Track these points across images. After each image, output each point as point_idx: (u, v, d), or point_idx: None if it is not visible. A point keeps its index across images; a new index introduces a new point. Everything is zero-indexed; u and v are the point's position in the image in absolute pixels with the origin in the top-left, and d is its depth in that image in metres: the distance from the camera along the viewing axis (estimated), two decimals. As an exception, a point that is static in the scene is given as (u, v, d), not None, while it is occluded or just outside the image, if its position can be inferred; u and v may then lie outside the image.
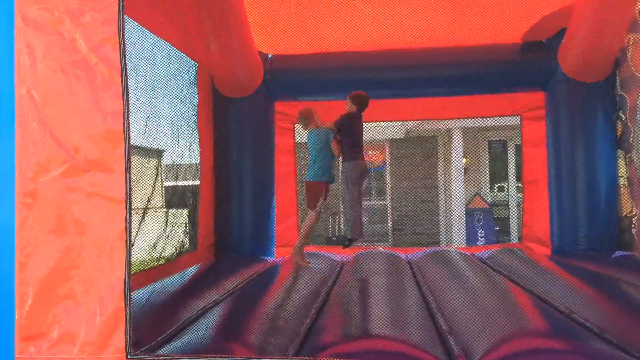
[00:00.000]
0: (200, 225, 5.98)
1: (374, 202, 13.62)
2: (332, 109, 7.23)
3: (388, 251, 6.48)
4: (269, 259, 6.35)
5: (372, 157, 13.83)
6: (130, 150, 2.51)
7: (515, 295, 3.78)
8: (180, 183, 6.23)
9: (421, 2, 5.51)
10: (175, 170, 6.26)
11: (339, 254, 6.50)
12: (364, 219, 13.50)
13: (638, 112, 5.61)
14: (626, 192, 5.87)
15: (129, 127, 2.52)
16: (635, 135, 5.69)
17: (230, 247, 6.35)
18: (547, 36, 6.20)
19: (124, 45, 2.51)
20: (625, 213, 5.88)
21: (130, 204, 2.55)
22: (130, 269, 2.59)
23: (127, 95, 2.50)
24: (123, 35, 2.50)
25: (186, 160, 6.05)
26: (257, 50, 6.22)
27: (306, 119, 5.98)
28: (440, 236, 12.65)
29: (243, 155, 6.47)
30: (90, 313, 2.59)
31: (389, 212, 13.35)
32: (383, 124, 12.01)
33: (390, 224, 13.20)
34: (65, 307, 2.59)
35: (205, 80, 6.21)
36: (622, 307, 3.54)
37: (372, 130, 11.97)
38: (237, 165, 6.46)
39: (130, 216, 2.55)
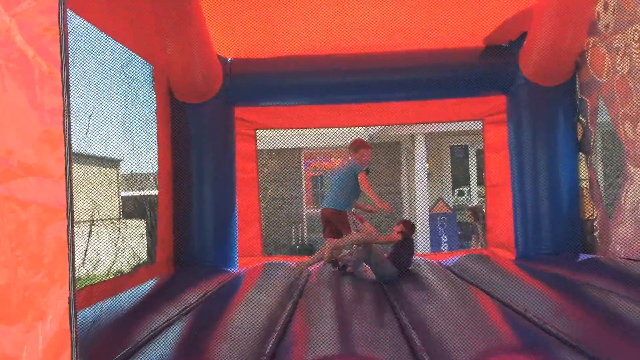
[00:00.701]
0: (158, 236, 5.71)
1: (337, 209, 13.48)
2: (294, 114, 7.12)
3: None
4: (232, 270, 6.12)
5: (335, 163, 13.73)
6: (71, 152, 2.27)
7: (486, 305, 3.69)
8: (137, 193, 5.96)
9: (384, 5, 5.44)
10: (133, 179, 6.00)
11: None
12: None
13: (598, 115, 5.65)
14: (587, 195, 5.89)
15: (69, 128, 2.28)
16: (595, 139, 5.73)
17: (191, 258, 6.10)
18: (508, 40, 6.20)
19: (66, 37, 2.27)
20: (587, 216, 5.91)
21: (72, 213, 2.31)
22: (74, 285, 2.34)
23: (68, 91, 2.27)
24: (65, 25, 2.26)
25: (143, 168, 5.80)
26: (216, 53, 6.02)
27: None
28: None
29: (203, 162, 6.25)
30: (31, 338, 2.33)
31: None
32: (346, 129, 11.93)
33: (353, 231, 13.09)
34: (1, 331, 2.33)
35: (163, 84, 5.96)
36: (591, 313, 3.48)
37: (335, 136, 11.90)
38: (197, 172, 6.23)
39: (73, 227, 2.31)
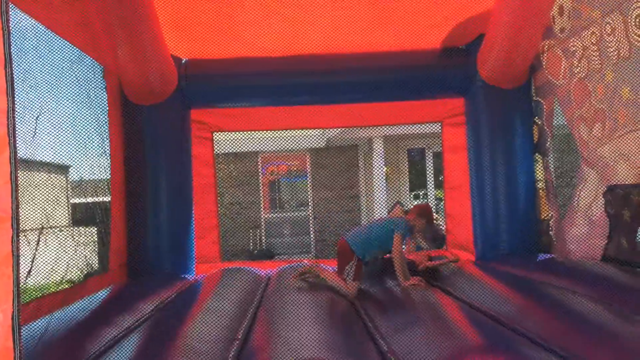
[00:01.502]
0: (111, 243, 5.47)
1: (295, 214, 13.40)
2: (251, 116, 6.99)
3: (313, 264, 6.22)
4: (189, 277, 5.93)
5: (292, 167, 13.63)
6: (17, 156, 2.10)
7: (451, 308, 3.66)
8: (88, 199, 5.72)
9: (341, 6, 5.38)
10: (83, 185, 5.75)
11: (262, 269, 6.18)
12: (286, 231, 13.31)
13: (554, 117, 5.75)
14: (544, 196, 5.99)
15: (14, 130, 2.11)
16: (552, 140, 5.83)
17: (146, 266, 5.87)
18: (466, 42, 6.25)
19: (9, 34, 2.10)
20: (543, 217, 6.00)
21: (18, 222, 2.13)
22: (19, 300, 2.16)
23: (13, 91, 2.10)
24: (7, 21, 2.10)
25: (95, 173, 5.56)
26: (170, 54, 5.83)
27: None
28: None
29: (158, 166, 6.03)
30: (-31, 357, 2.13)
31: (310, 223, 13.18)
32: (303, 133, 11.87)
33: (312, 235, 13.03)
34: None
35: (114, 86, 5.73)
36: (551, 311, 3.51)
37: (293, 139, 11.81)
38: (152, 177, 6.01)
39: (18, 237, 2.14)
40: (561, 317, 3.33)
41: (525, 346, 2.81)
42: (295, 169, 13.65)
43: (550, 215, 5.82)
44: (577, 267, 4.73)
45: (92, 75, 5.38)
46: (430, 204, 12.42)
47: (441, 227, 6.44)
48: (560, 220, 5.53)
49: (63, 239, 4.39)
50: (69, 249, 4.53)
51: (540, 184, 6.08)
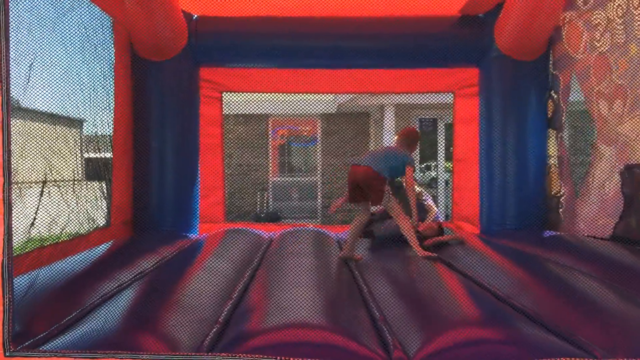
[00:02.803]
0: (114, 199, 5.46)
1: (303, 179, 13.37)
2: (261, 78, 6.88)
3: (317, 229, 6.20)
4: (192, 236, 5.93)
5: (302, 131, 13.54)
6: (9, 102, 2.04)
7: (450, 280, 3.61)
8: (90, 155, 5.69)
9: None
10: (86, 139, 5.71)
11: (266, 231, 6.17)
12: (293, 195, 13.30)
13: (570, 93, 5.59)
14: (555, 171, 5.88)
15: (7, 75, 2.05)
16: (566, 115, 5.68)
17: (150, 223, 5.89)
18: (484, 10, 6.05)
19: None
20: (553, 192, 5.90)
21: (10, 169, 2.09)
22: (10, 247, 2.14)
23: (7, 34, 2.03)
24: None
25: (98, 128, 5.51)
26: (181, 9, 5.71)
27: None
28: (370, 214, 12.56)
29: (164, 123, 5.99)
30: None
31: (319, 188, 13.15)
32: (315, 97, 11.72)
33: (320, 200, 13.01)
34: None
35: (123, 39, 5.63)
36: (553, 288, 3.45)
37: (304, 103, 11.68)
38: (158, 134, 5.97)
39: (9, 185, 2.10)
40: (560, 294, 3.28)
41: (519, 321, 2.76)
42: (305, 133, 13.55)
43: (561, 191, 5.72)
44: (583, 244, 4.66)
45: (100, 27, 5.28)
46: (440, 174, 12.32)
47: (424, 198, 6.33)
48: (573, 197, 5.43)
49: (64, 192, 4.36)
50: (70, 202, 4.52)
51: (553, 160, 5.96)
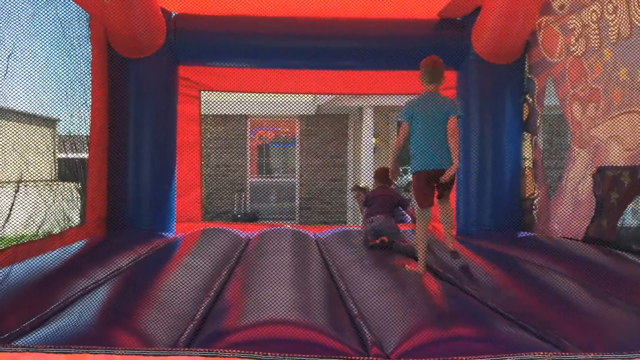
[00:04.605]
0: (89, 197, 5.38)
1: (282, 179, 13.35)
2: (241, 77, 6.86)
3: (295, 229, 6.20)
4: (169, 235, 5.87)
5: (281, 132, 13.52)
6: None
7: (427, 279, 3.63)
8: (67, 155, 5.60)
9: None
10: (61, 138, 5.63)
11: (244, 231, 6.14)
12: (271, 196, 13.27)
13: (546, 96, 5.68)
14: (530, 174, 5.97)
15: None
16: (542, 119, 5.77)
17: (126, 221, 5.82)
18: (462, 14, 6.12)
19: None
20: (527, 195, 5.99)
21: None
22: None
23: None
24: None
25: (75, 126, 5.43)
26: (160, 6, 5.66)
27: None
28: (347, 215, 12.62)
29: (142, 121, 5.93)
30: None
31: (297, 189, 13.14)
32: (294, 99, 11.73)
33: (297, 201, 13.00)
34: None
35: (100, 35, 5.56)
36: (529, 288, 3.50)
37: (283, 104, 11.68)
38: (135, 132, 5.91)
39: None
40: (534, 293, 3.33)
41: (494, 319, 2.80)
42: (284, 134, 13.54)
43: (535, 194, 5.81)
44: (556, 245, 4.74)
45: (77, 23, 5.20)
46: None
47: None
48: (547, 199, 5.52)
49: (38, 191, 4.28)
50: (46, 200, 4.44)
51: (527, 163, 6.06)
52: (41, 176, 5.00)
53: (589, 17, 4.72)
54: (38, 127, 5.69)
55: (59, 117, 5.57)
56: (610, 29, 4.40)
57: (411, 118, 4.05)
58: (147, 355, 1.91)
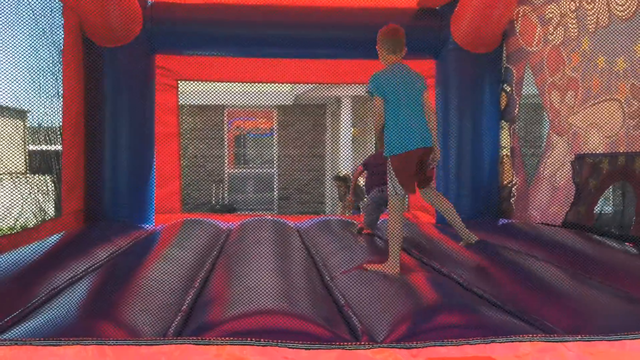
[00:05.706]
0: (64, 189, 5.27)
1: (260, 170, 13.28)
2: (218, 66, 6.78)
3: (276, 219, 6.18)
4: (147, 227, 5.80)
5: (259, 123, 13.44)
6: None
7: (411, 267, 3.65)
8: (38, 145, 5.48)
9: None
10: (32, 129, 5.51)
11: (224, 222, 6.09)
12: (249, 187, 13.20)
13: (524, 85, 5.75)
14: (508, 162, 6.04)
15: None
16: (520, 108, 5.84)
17: (104, 213, 5.73)
18: (440, 3, 6.13)
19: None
20: (505, 182, 6.07)
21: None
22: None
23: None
24: None
25: (45, 117, 5.30)
26: (135, -7, 5.54)
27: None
28: (326, 205, 12.64)
29: (118, 111, 5.83)
30: None
31: (275, 180, 13.09)
32: (272, 89, 11.65)
33: (276, 192, 12.96)
34: None
35: (73, 24, 5.42)
36: (510, 273, 3.55)
37: (261, 95, 11.59)
38: (112, 123, 5.81)
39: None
40: (516, 278, 3.38)
41: (478, 304, 2.84)
42: (261, 125, 13.45)
43: (513, 181, 5.89)
44: (535, 231, 4.81)
45: (49, 11, 5.07)
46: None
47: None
48: (526, 187, 5.60)
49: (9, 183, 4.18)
50: (20, 192, 4.34)
51: (505, 151, 6.13)
52: (13, 169, 4.89)
53: (567, 6, 4.77)
54: (8, 120, 5.55)
55: (29, 108, 5.44)
56: (588, 18, 4.46)
57: (384, 93, 3.68)
58: (139, 345, 1.88)
